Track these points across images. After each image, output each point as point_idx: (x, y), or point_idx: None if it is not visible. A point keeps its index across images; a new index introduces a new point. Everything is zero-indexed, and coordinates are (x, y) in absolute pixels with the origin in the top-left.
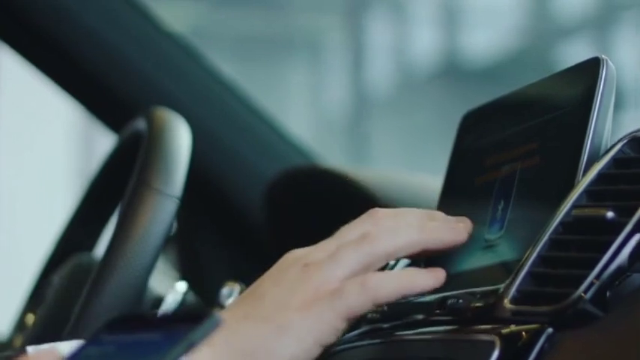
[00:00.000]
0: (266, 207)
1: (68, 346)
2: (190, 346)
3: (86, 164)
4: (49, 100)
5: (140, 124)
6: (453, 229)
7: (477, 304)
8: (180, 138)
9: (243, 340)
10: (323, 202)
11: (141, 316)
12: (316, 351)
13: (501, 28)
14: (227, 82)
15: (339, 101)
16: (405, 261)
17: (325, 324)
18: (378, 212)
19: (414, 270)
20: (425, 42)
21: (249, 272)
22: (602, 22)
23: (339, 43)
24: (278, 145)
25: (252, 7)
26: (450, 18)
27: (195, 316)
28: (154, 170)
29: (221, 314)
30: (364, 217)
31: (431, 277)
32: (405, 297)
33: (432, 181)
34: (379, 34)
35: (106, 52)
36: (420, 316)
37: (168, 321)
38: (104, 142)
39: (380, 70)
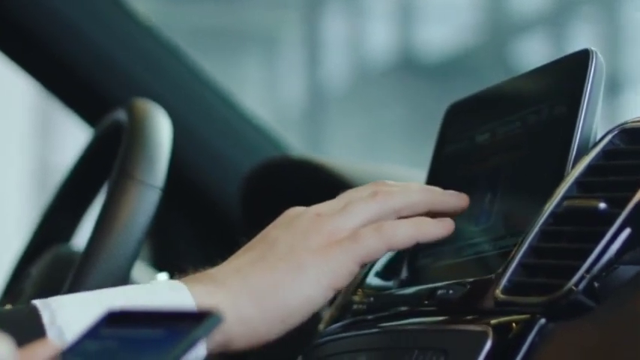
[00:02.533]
0: (242, 199)
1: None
2: (192, 344)
3: (45, 153)
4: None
5: (120, 114)
6: (456, 194)
7: (468, 295)
8: (162, 129)
9: (259, 280)
10: (300, 193)
11: (141, 310)
12: (330, 294)
13: (457, 23)
14: (202, 75)
15: (294, 96)
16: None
17: (341, 267)
18: (383, 181)
19: (425, 219)
20: (381, 37)
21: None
22: (557, 18)
23: (295, 37)
24: (253, 137)
25: (209, 0)
26: (406, 13)
27: (197, 312)
28: (136, 161)
29: (231, 260)
30: (371, 183)
31: (442, 226)
32: (418, 243)
33: (411, 173)
34: (335, 28)
35: (82, 46)
36: (408, 307)
37: (170, 317)
38: (64, 129)
39: (336, 64)
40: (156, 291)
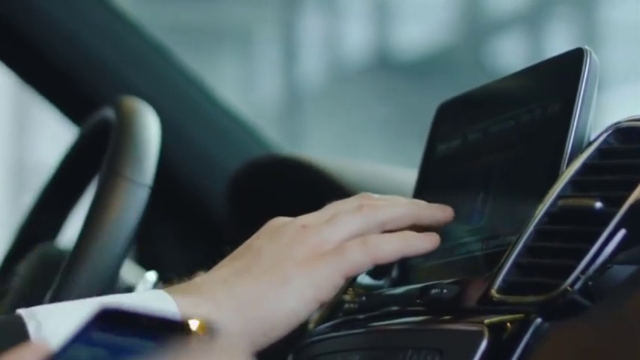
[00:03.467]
0: (229, 198)
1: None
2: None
3: (22, 151)
4: None
5: (108, 112)
6: (441, 207)
7: (462, 294)
8: (150, 127)
9: (243, 291)
10: (287, 191)
11: (135, 312)
12: (314, 307)
13: (433, 21)
14: (189, 74)
15: (271, 94)
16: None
17: (325, 280)
18: (369, 194)
19: (411, 233)
20: (357, 35)
21: (210, 264)
22: (533, 17)
23: (271, 35)
24: (240, 136)
25: None
26: (383, 11)
27: (188, 325)
28: (125, 159)
29: (216, 270)
30: (356, 196)
31: (428, 241)
32: (403, 258)
33: (398, 171)
34: (312, 26)
35: (67, 44)
36: (401, 307)
37: (164, 325)
38: (41, 127)
39: (313, 62)
40: (141, 302)
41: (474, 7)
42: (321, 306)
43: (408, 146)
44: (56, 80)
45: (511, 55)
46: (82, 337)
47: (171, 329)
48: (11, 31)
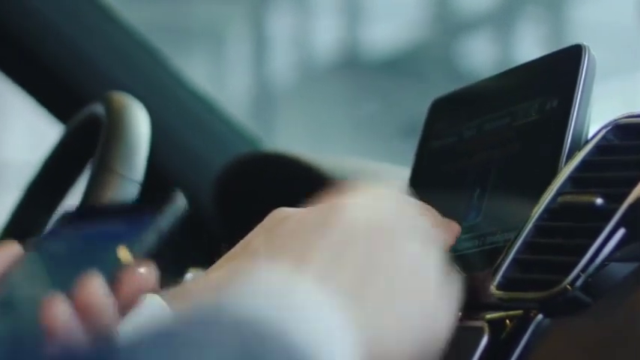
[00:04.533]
0: (216, 196)
1: None
2: (159, 233)
3: None
4: None
5: (97, 108)
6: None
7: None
8: (140, 122)
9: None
10: (274, 187)
11: (98, 207)
12: None
13: (403, 21)
14: (175, 72)
15: (240, 93)
16: None
17: None
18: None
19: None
20: (327, 34)
21: (198, 262)
22: (503, 17)
23: (241, 33)
24: (226, 133)
25: None
26: (352, 10)
27: (157, 201)
28: (115, 155)
29: (210, 273)
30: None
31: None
32: None
33: (389, 168)
34: (281, 25)
35: (54, 41)
36: None
37: (129, 210)
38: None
39: (282, 61)
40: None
41: (444, 6)
42: None
43: (377, 144)
44: (42, 78)
45: (481, 54)
46: (52, 236)
47: (138, 211)
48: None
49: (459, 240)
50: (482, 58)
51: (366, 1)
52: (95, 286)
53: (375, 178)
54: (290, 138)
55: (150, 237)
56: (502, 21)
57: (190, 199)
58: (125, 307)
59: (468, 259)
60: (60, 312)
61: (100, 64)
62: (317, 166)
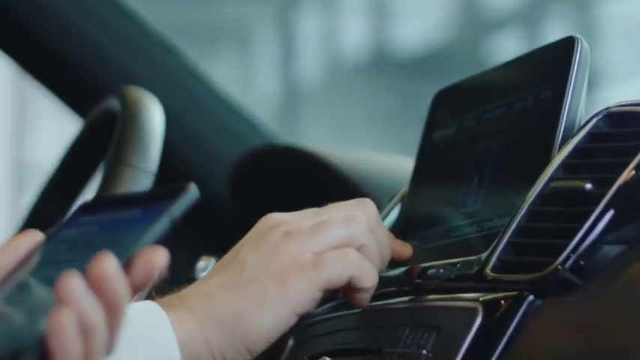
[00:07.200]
0: (231, 189)
1: None
2: (172, 221)
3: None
4: None
5: (113, 102)
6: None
7: (458, 273)
8: (154, 116)
9: (225, 308)
10: (287, 181)
11: (114, 197)
12: (292, 320)
13: (431, 19)
14: (190, 66)
15: (269, 92)
16: None
17: (302, 294)
18: (366, 200)
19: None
20: (355, 33)
21: (210, 250)
22: (530, 15)
23: (269, 33)
24: (241, 127)
25: None
26: (381, 9)
27: (171, 191)
28: (130, 147)
29: (204, 282)
30: (353, 201)
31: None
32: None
33: (401, 160)
34: (310, 24)
35: (72, 37)
36: (399, 287)
37: (144, 199)
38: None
39: (311, 60)
40: (135, 313)
41: (471, 4)
42: (301, 318)
43: (405, 143)
44: (61, 73)
45: (509, 52)
46: (70, 224)
47: (153, 199)
48: (18, 26)
49: (459, 226)
50: (510, 55)
51: (393, 1)
52: (109, 262)
53: (385, 170)
54: (318, 137)
55: (163, 225)
56: (529, 19)
57: (203, 190)
58: (135, 289)
59: (468, 244)
60: (75, 284)
61: (117, 59)
62: (329, 159)
